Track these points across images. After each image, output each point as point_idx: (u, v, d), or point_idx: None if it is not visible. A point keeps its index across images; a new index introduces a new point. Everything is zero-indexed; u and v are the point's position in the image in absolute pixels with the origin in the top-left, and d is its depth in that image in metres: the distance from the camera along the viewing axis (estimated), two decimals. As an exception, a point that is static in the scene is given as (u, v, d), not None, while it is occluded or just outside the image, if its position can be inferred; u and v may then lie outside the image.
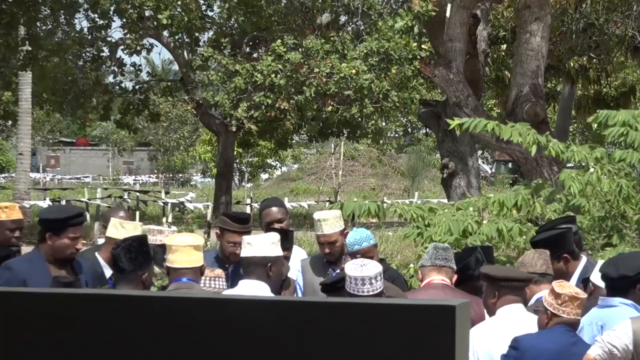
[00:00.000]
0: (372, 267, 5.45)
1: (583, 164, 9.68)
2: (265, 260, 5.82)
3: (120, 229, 6.65)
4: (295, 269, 6.97)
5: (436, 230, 9.35)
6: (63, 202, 25.92)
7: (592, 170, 9.30)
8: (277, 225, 7.08)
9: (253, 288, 5.74)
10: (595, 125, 10.03)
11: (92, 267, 6.54)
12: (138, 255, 5.60)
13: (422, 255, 6.57)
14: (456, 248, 9.14)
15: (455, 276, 6.42)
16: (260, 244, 5.85)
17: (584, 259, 6.80)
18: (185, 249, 5.64)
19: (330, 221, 6.84)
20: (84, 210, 7.29)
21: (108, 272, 6.53)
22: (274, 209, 7.29)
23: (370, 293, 5.36)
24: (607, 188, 9.17)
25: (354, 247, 6.69)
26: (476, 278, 6.51)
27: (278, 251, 5.94)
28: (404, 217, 10.04)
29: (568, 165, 10.57)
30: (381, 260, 6.66)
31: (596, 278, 6.05)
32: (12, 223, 6.83)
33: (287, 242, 6.73)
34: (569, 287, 5.58)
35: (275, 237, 5.96)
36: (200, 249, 5.76)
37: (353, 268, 5.46)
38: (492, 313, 5.85)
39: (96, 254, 6.76)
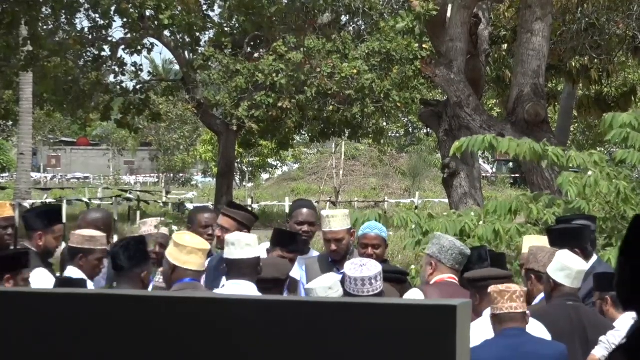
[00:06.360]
0: (371, 267, 5.43)
1: (582, 168, 9.68)
2: (258, 260, 5.82)
3: None
4: (300, 269, 6.96)
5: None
6: (64, 202, 25.94)
7: (590, 173, 9.29)
8: (307, 228, 7.10)
9: (242, 288, 5.71)
10: (603, 127, 9.99)
11: None
12: (136, 253, 5.64)
13: (428, 247, 6.29)
14: None
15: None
16: (249, 245, 5.82)
17: (594, 258, 6.78)
18: (195, 251, 5.65)
19: (338, 218, 6.84)
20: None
21: None
22: (305, 210, 7.22)
23: (371, 293, 5.34)
24: (606, 190, 9.17)
25: (365, 230, 6.69)
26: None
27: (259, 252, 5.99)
28: (402, 227, 10.04)
29: (570, 165, 10.58)
30: (385, 262, 6.64)
31: (558, 275, 5.82)
32: (3, 221, 6.84)
33: (297, 246, 6.75)
34: (502, 285, 5.42)
35: (254, 237, 5.98)
36: (206, 254, 5.83)
37: (352, 269, 5.44)
38: (477, 315, 5.77)
39: None
